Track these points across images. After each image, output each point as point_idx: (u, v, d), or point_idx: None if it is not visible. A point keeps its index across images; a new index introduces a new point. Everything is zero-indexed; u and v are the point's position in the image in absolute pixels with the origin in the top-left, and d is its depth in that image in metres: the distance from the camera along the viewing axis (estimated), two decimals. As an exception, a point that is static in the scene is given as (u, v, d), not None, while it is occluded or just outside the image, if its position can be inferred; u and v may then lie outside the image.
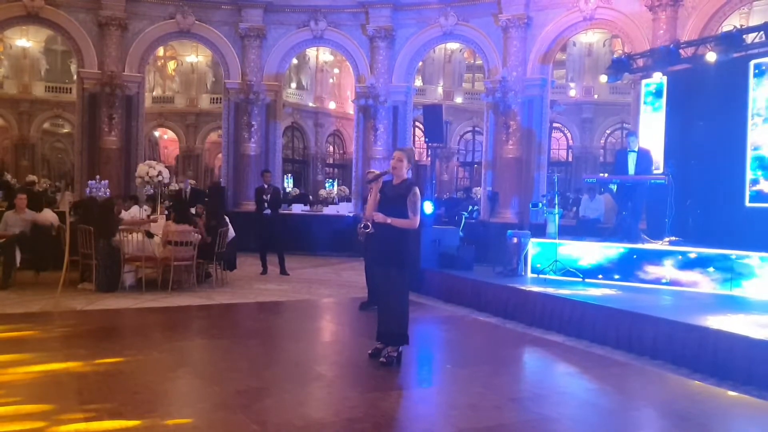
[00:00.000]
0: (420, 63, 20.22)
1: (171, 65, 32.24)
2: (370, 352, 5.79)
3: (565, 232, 10.28)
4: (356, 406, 4.58)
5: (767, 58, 8.98)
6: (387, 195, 5.63)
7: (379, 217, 5.50)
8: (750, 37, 9.29)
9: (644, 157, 9.61)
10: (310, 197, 21.94)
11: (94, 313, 7.78)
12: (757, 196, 9.09)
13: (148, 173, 10.98)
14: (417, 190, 5.57)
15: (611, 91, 27.98)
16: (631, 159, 9.65)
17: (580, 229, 11.51)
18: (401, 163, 5.61)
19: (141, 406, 4.35)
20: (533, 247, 9.50)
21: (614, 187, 10.74)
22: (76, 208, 11.00)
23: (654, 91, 10.89)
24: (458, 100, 31.26)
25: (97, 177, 15.08)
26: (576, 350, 6.66)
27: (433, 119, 13.45)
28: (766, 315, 6.60)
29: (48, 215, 10.77)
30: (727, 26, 12.01)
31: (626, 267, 8.84)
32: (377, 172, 5.92)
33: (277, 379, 5.23)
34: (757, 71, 9.14)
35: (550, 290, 8.01)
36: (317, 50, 28.99)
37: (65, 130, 30.35)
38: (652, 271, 8.64)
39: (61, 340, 6.35)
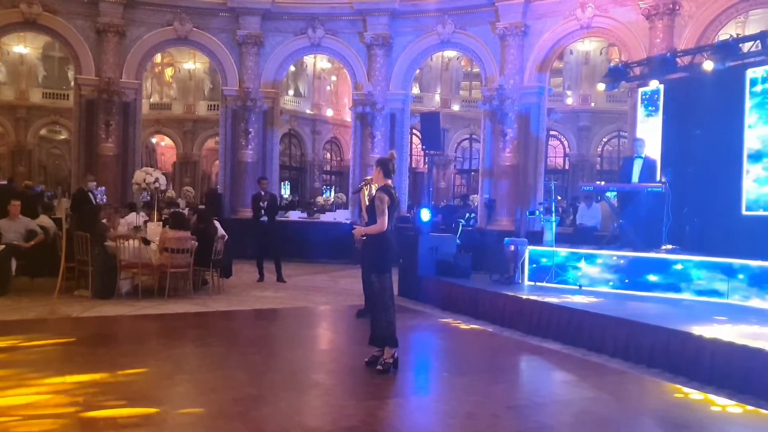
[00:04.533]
0: (417, 71, 20.28)
1: (168, 72, 32.28)
2: (367, 359, 5.77)
3: (562, 239, 10.28)
4: (353, 415, 4.56)
5: (763, 67, 9.00)
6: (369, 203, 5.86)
7: (357, 232, 5.82)
8: (746, 46, 9.34)
9: (649, 165, 9.64)
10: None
11: (90, 320, 7.74)
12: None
13: (144, 180, 10.96)
14: (380, 194, 5.64)
15: (608, 99, 28.09)
16: (637, 165, 9.68)
17: (577, 237, 11.51)
18: (374, 172, 5.86)
19: (136, 415, 4.33)
20: (530, 254, 9.50)
21: (611, 195, 10.76)
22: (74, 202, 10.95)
23: (651, 99, 10.91)
24: (455, 107, 31.34)
25: (94, 183, 15.04)
26: (573, 358, 6.65)
27: (431, 127, 13.49)
28: (762, 323, 6.59)
29: (44, 221, 10.76)
30: (723, 35, 12.08)
31: (623, 275, 8.84)
32: (369, 178, 6.06)
33: (274, 386, 5.21)
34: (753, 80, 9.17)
35: (547, 298, 8.00)
36: (315, 58, 29.06)
37: (62, 137, 30.35)
38: (649, 279, 8.64)
39: (56, 347, 6.32)
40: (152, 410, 4.46)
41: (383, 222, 5.59)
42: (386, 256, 5.81)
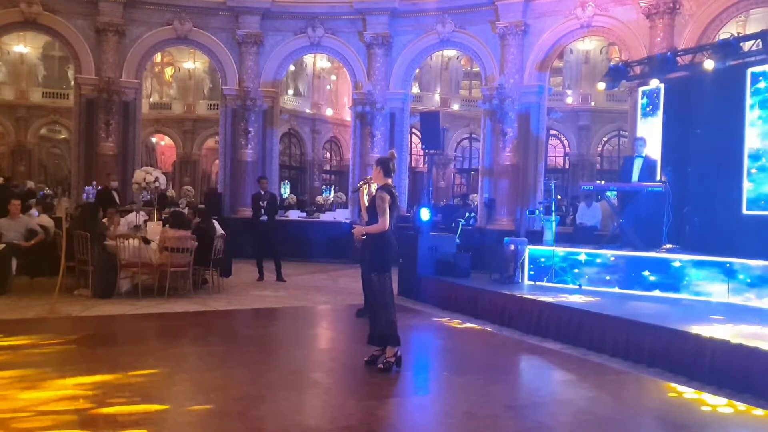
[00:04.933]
0: (417, 70, 20.26)
1: (168, 71, 32.26)
2: (366, 359, 5.77)
3: (562, 239, 10.28)
4: (352, 414, 4.56)
5: (764, 66, 9.00)
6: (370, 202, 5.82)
7: (356, 232, 5.80)
8: (747, 45, 9.33)
9: (650, 165, 9.65)
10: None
11: (90, 319, 7.74)
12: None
13: (144, 179, 10.95)
14: (381, 193, 5.63)
15: (608, 98, 28.06)
16: (637, 164, 9.68)
17: (577, 237, 11.51)
18: (374, 171, 5.84)
19: (135, 414, 4.33)
20: (530, 254, 9.50)
21: (611, 195, 10.76)
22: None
23: (651, 98, 10.91)
24: (455, 107, 31.31)
25: (94, 183, 15.05)
26: (573, 358, 6.64)
27: (430, 126, 13.47)
28: (762, 323, 6.58)
29: (44, 220, 10.75)
30: (724, 34, 12.07)
31: (623, 274, 8.84)
32: (369, 178, 6.05)
33: (274, 386, 5.21)
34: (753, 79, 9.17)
35: (547, 298, 7.99)
36: (314, 57, 29.02)
37: (62, 136, 30.33)
38: (649, 278, 8.64)
39: (55, 347, 6.31)
40: (151, 409, 4.46)
41: (384, 221, 5.58)
42: (387, 256, 5.80)
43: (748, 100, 9.11)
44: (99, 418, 4.22)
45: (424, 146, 13.62)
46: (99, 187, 14.22)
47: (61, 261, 9.13)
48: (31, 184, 21.43)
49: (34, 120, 29.67)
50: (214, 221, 10.44)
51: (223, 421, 4.28)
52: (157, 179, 11.05)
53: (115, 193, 12.93)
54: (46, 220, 10.95)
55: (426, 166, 19.86)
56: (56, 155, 31.50)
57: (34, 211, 11.36)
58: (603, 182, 10.56)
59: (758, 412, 4.91)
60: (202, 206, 14.85)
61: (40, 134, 30.43)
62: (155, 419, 4.27)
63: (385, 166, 5.76)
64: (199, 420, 4.37)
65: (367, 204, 5.91)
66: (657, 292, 8.48)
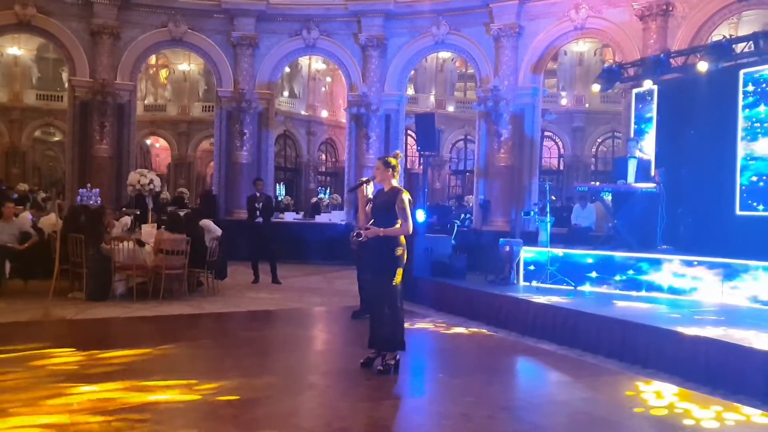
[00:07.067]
0: (412, 72, 20.27)
1: (163, 73, 32.19)
2: (362, 361, 5.76)
3: (557, 240, 10.31)
4: (348, 416, 4.56)
5: (756, 67, 9.05)
6: (376, 203, 5.72)
7: (371, 233, 5.53)
8: (739, 47, 9.38)
9: (644, 165, 9.69)
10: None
11: (85, 322, 7.72)
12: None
13: (139, 181, 10.92)
14: (403, 195, 5.57)
15: (602, 100, 28.12)
16: (631, 165, 9.71)
17: (572, 238, 11.53)
18: (379, 171, 5.75)
19: (130, 416, 4.32)
20: (525, 255, 9.52)
21: (606, 195, 10.78)
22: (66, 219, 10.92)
23: (645, 100, 10.94)
24: (450, 108, 31.32)
25: (88, 185, 14.98)
26: (568, 359, 6.66)
27: (426, 128, 13.45)
28: (757, 324, 6.60)
29: (44, 222, 10.69)
30: (716, 36, 12.13)
31: (618, 275, 8.86)
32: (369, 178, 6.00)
33: (268, 388, 5.20)
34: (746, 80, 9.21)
35: (542, 299, 8.02)
36: (309, 59, 29.01)
37: (56, 138, 30.23)
38: (643, 279, 8.67)
39: (49, 349, 6.28)
40: (146, 411, 4.45)
41: (410, 225, 5.55)
42: (401, 259, 5.70)
43: (741, 102, 9.16)
44: (92, 420, 4.20)
45: (419, 148, 13.59)
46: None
47: (55, 264, 9.11)
48: (24, 186, 21.39)
49: (28, 122, 29.56)
50: (209, 222, 10.37)
51: (218, 424, 4.27)
52: (151, 181, 11.02)
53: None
54: (47, 222, 10.84)
55: (421, 167, 19.86)
56: (50, 157, 31.42)
57: (27, 215, 11.31)
58: (597, 183, 10.59)
59: (752, 412, 4.93)
60: (197, 207, 14.82)
61: (35, 136, 30.32)
62: (150, 420, 4.26)
63: (394, 167, 5.74)
64: (194, 422, 4.36)
65: (366, 204, 5.83)
66: (652, 293, 8.51)
